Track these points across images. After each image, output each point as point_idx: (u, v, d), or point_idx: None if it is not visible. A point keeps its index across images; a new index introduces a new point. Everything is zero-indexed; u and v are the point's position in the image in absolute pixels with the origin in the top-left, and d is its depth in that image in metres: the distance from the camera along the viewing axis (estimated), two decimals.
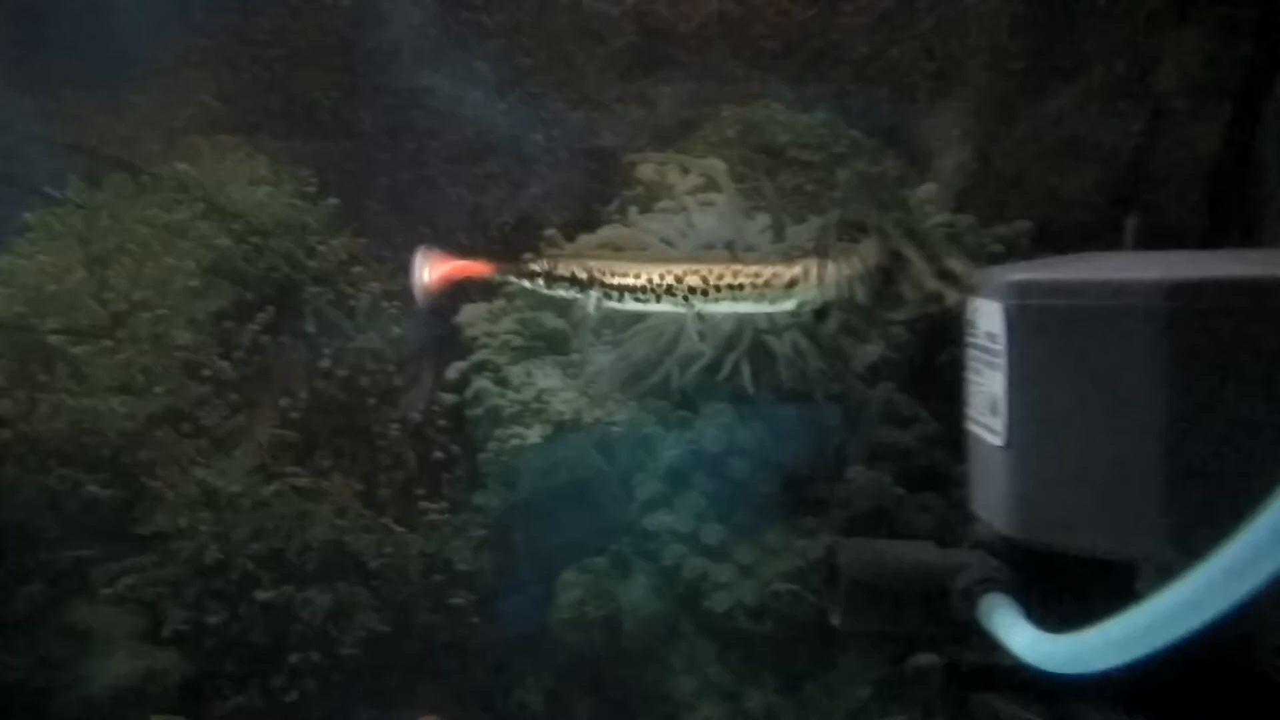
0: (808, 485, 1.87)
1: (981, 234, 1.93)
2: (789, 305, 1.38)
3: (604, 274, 1.45)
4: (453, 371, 2.00)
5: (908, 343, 1.88)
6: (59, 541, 1.84)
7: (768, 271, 1.37)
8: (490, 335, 2.01)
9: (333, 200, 2.13)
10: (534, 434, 1.90)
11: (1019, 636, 0.91)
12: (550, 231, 2.03)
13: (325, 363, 2.02)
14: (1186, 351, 0.93)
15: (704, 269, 1.40)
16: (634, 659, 1.88)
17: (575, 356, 1.97)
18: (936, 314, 1.30)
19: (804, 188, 2.08)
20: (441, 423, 2.02)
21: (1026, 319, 1.01)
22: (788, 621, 1.81)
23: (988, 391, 1.09)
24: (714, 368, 1.82)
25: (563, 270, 1.45)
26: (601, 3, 2.13)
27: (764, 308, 1.42)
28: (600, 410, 1.89)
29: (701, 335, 1.45)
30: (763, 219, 1.94)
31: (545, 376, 1.97)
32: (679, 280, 1.42)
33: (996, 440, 1.05)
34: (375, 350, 2.05)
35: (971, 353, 1.19)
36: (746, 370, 1.80)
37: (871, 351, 1.45)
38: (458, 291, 1.73)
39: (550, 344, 2.01)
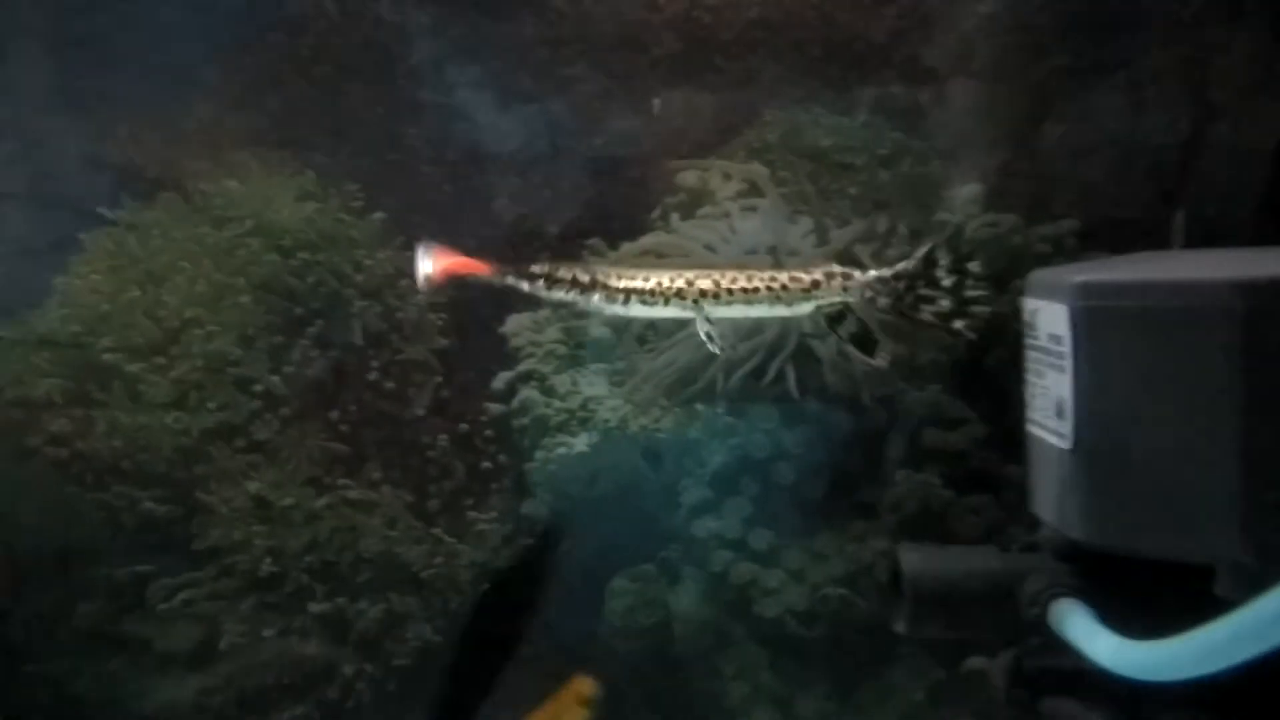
0: (856, 489, 1.86)
1: (1027, 233, 1.92)
2: (807, 309, 1.38)
3: (607, 277, 1.45)
4: (499, 381, 2.01)
5: (955, 344, 1.87)
6: (117, 557, 1.87)
7: (784, 275, 1.37)
8: (536, 345, 2.02)
9: (379, 214, 2.14)
10: (580, 442, 1.90)
11: (1101, 643, 0.90)
12: (593, 240, 2.05)
13: (373, 375, 2.04)
14: (1261, 350, 0.91)
15: (717, 274, 1.40)
16: (685, 665, 1.88)
17: (620, 364, 1.97)
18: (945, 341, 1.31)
19: (847, 191, 2.08)
20: (489, 433, 2.04)
21: (1094, 321, 1.00)
22: (838, 626, 1.80)
23: (1052, 394, 1.08)
24: (759, 373, 1.82)
25: (564, 273, 1.44)
26: (643, 11, 2.14)
27: (780, 311, 1.41)
28: (646, 417, 1.90)
29: (710, 337, 1.44)
30: (805, 223, 1.94)
31: (591, 385, 1.98)
32: (689, 284, 1.42)
33: (1063, 443, 1.04)
34: (422, 362, 2.08)
35: (1032, 354, 1.17)
36: (792, 375, 1.80)
37: (881, 362, 1.44)
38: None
39: (595, 352, 2.02)
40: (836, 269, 1.33)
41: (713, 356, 1.87)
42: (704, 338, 1.47)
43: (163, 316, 1.95)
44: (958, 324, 1.28)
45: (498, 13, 2.12)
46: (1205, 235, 1.94)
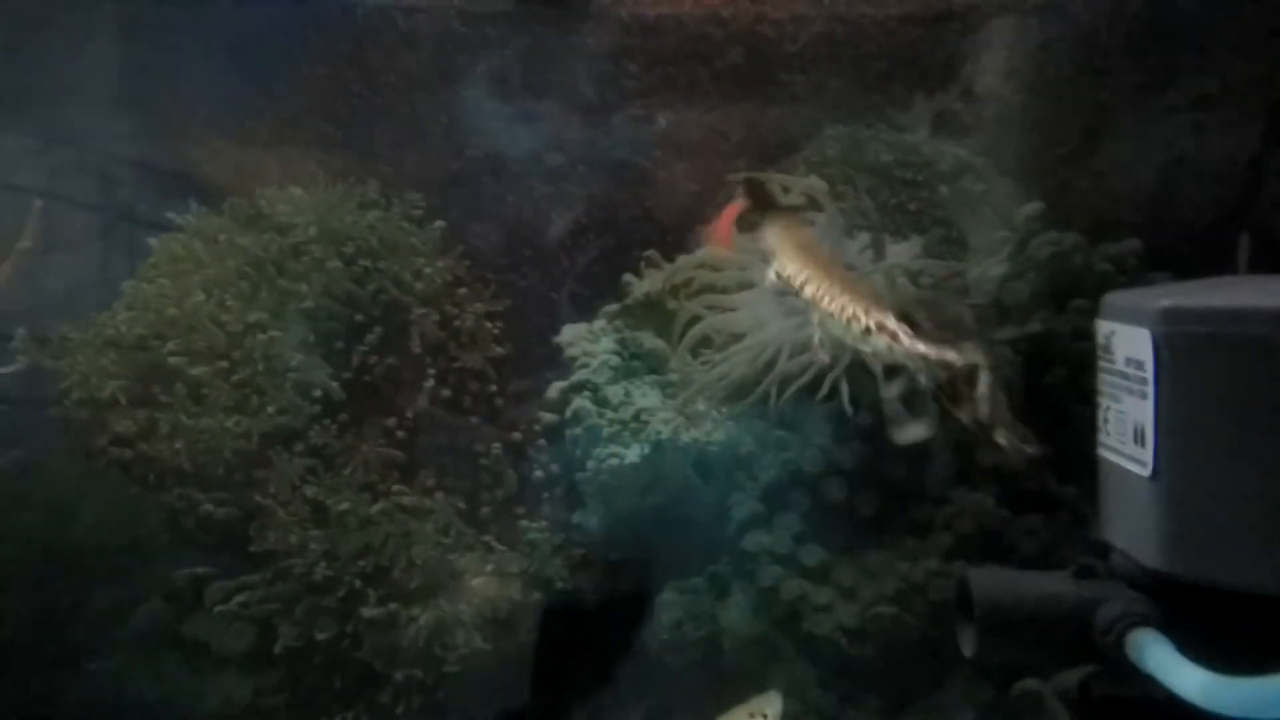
0: (908, 506, 1.85)
1: (1089, 253, 1.90)
2: (865, 349, 1.36)
3: (781, 251, 1.51)
4: (553, 391, 2.02)
5: (1013, 362, 1.85)
6: (177, 559, 1.91)
7: (855, 308, 1.35)
8: (590, 355, 2.02)
9: (440, 223, 2.16)
10: (632, 453, 1.90)
11: (1189, 677, 0.89)
12: (650, 251, 2.06)
13: (430, 383, 2.06)
14: None
15: (838, 288, 1.40)
16: (734, 681, 1.87)
17: (674, 376, 1.97)
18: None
19: (906, 206, 2.07)
20: (541, 442, 2.05)
21: (1178, 347, 0.99)
22: (889, 645, 1.79)
23: (1130, 420, 1.06)
24: (813, 388, 1.81)
25: (767, 241, 1.56)
26: (707, 24, 2.15)
27: (838, 331, 1.40)
28: (698, 430, 1.89)
29: (821, 344, 1.45)
30: (864, 238, 1.94)
31: (644, 396, 1.97)
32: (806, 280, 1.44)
33: (1142, 470, 1.03)
34: (478, 370, 2.09)
35: (1107, 378, 1.16)
36: (845, 390, 1.78)
37: (917, 431, 1.42)
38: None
39: (649, 363, 2.02)
40: (889, 324, 1.29)
41: (766, 370, 1.88)
42: (816, 342, 1.48)
43: (226, 321, 1.98)
44: (1000, 437, 1.24)
45: (562, 25, 2.13)
46: (1272, 258, 1.93)
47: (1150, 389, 1.01)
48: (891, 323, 1.30)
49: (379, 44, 2.16)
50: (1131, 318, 1.07)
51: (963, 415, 1.24)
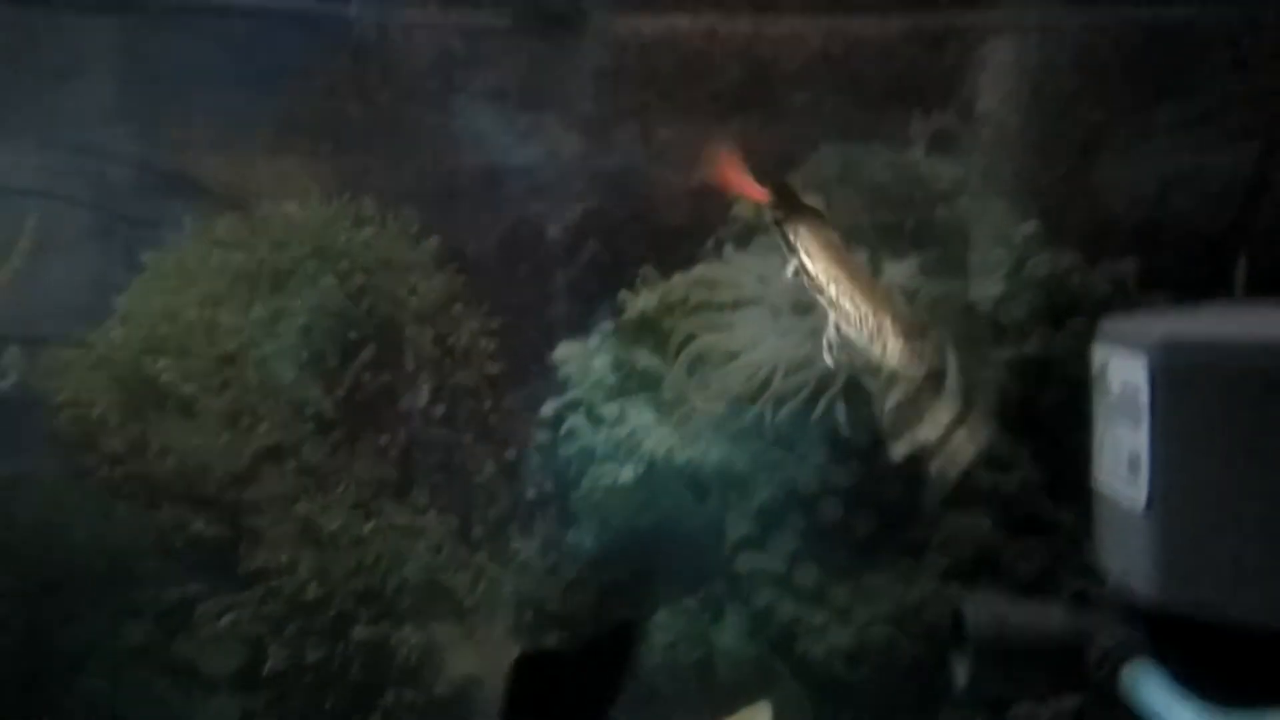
0: (904, 528, 1.84)
1: (1087, 272, 1.89)
2: (869, 353, 1.39)
3: (805, 248, 1.50)
4: (547, 409, 2.01)
5: (1009, 384, 1.85)
6: (166, 578, 1.89)
7: (877, 321, 1.37)
8: (585, 373, 2.02)
9: (434, 239, 2.15)
10: (626, 472, 1.89)
11: (1180, 713, 0.87)
12: (645, 268, 2.05)
13: (423, 400, 2.06)
14: None
15: (861, 291, 1.42)
16: (728, 703, 1.86)
17: (669, 394, 1.97)
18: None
19: (903, 226, 2.07)
20: (536, 460, 2.04)
21: (1174, 377, 0.97)
22: (884, 666, 1.78)
23: (1125, 448, 1.05)
24: (808, 407, 1.81)
25: (789, 229, 1.52)
26: (704, 43, 2.14)
27: (853, 334, 1.43)
28: (693, 449, 1.88)
29: (830, 346, 1.46)
30: (861, 255, 1.93)
31: (638, 414, 1.96)
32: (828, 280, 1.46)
33: (1136, 501, 1.02)
34: (472, 387, 2.09)
35: (1102, 405, 1.15)
36: (842, 410, 1.78)
37: (900, 450, 1.45)
38: None
39: (644, 382, 2.01)
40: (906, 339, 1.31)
41: (762, 388, 1.87)
42: (826, 345, 1.50)
43: (219, 338, 1.98)
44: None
45: (560, 43, 2.13)
46: (1269, 278, 1.92)
47: (1145, 418, 1.00)
48: (908, 337, 1.33)
49: (377, 60, 2.16)
50: (1127, 345, 1.06)
51: (927, 423, 1.29)
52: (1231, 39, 1.96)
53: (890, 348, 1.33)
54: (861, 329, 1.40)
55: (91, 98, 2.13)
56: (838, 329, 1.45)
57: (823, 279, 1.49)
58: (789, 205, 1.63)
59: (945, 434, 1.31)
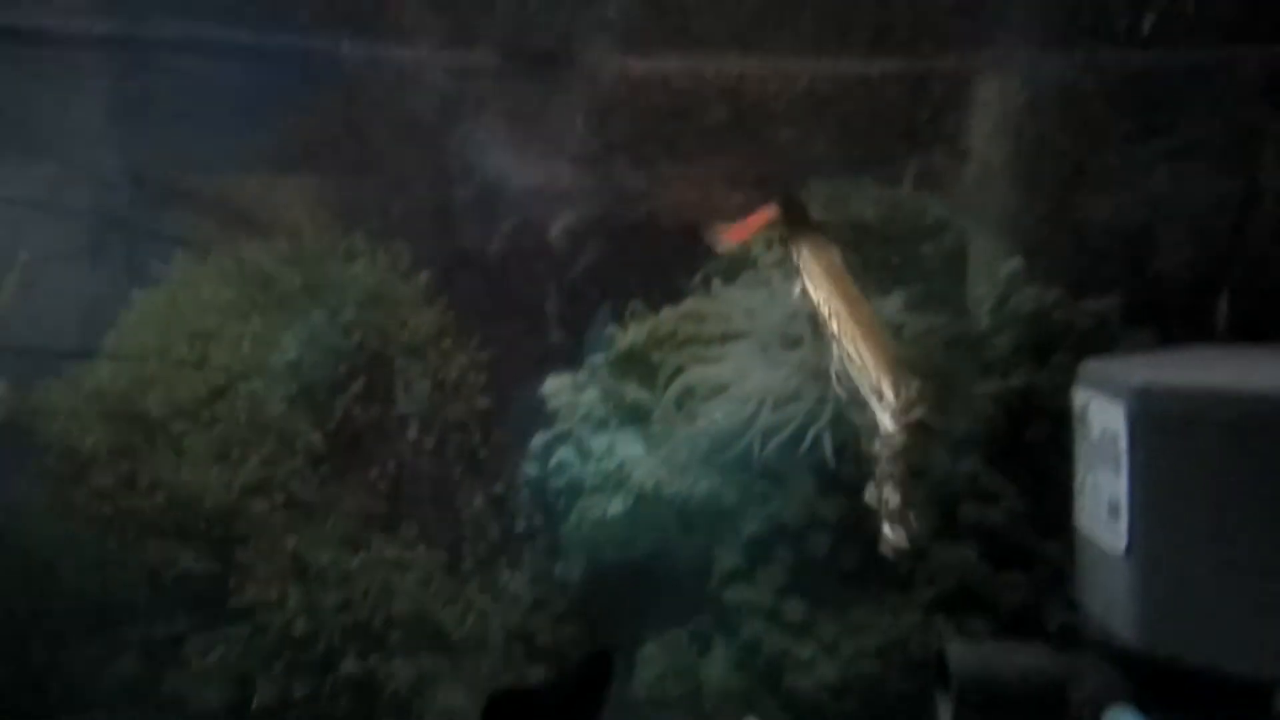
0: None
1: (1071, 308, 1.91)
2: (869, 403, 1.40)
3: (809, 271, 1.57)
4: (537, 442, 2.01)
5: (994, 417, 1.86)
6: (154, 613, 1.89)
7: (879, 375, 1.39)
8: (574, 406, 2.02)
9: (425, 273, 2.17)
10: (615, 505, 1.90)
11: None
12: (635, 302, 2.07)
13: (413, 434, 2.06)
14: None
15: (859, 328, 1.44)
16: None
17: (658, 427, 1.97)
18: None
19: (889, 261, 2.08)
20: (525, 494, 2.04)
21: (1152, 425, 0.99)
22: (871, 700, 1.78)
23: (1105, 492, 1.07)
24: (796, 440, 1.81)
25: (794, 250, 1.61)
26: (691, 81, 2.17)
27: (855, 375, 1.45)
28: (681, 482, 1.89)
29: (839, 378, 1.48)
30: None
31: (627, 447, 1.97)
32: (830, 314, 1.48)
33: (1116, 546, 1.03)
34: (462, 421, 2.09)
35: (1084, 448, 1.17)
36: (829, 443, 1.78)
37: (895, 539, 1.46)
38: None
39: (633, 415, 2.02)
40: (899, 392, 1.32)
41: (750, 421, 1.88)
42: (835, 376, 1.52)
43: (209, 373, 1.99)
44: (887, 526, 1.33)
45: (550, 80, 2.15)
46: (1251, 315, 1.94)
47: (1124, 465, 1.02)
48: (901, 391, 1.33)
49: (368, 97, 2.18)
50: (1108, 390, 1.08)
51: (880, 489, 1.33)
52: (1213, 79, 1.99)
53: (885, 401, 1.34)
54: (860, 375, 1.42)
55: (79, 132, 2.15)
56: (841, 362, 1.47)
57: (824, 310, 1.51)
58: (796, 221, 1.66)
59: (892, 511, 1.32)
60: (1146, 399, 0.99)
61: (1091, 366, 1.18)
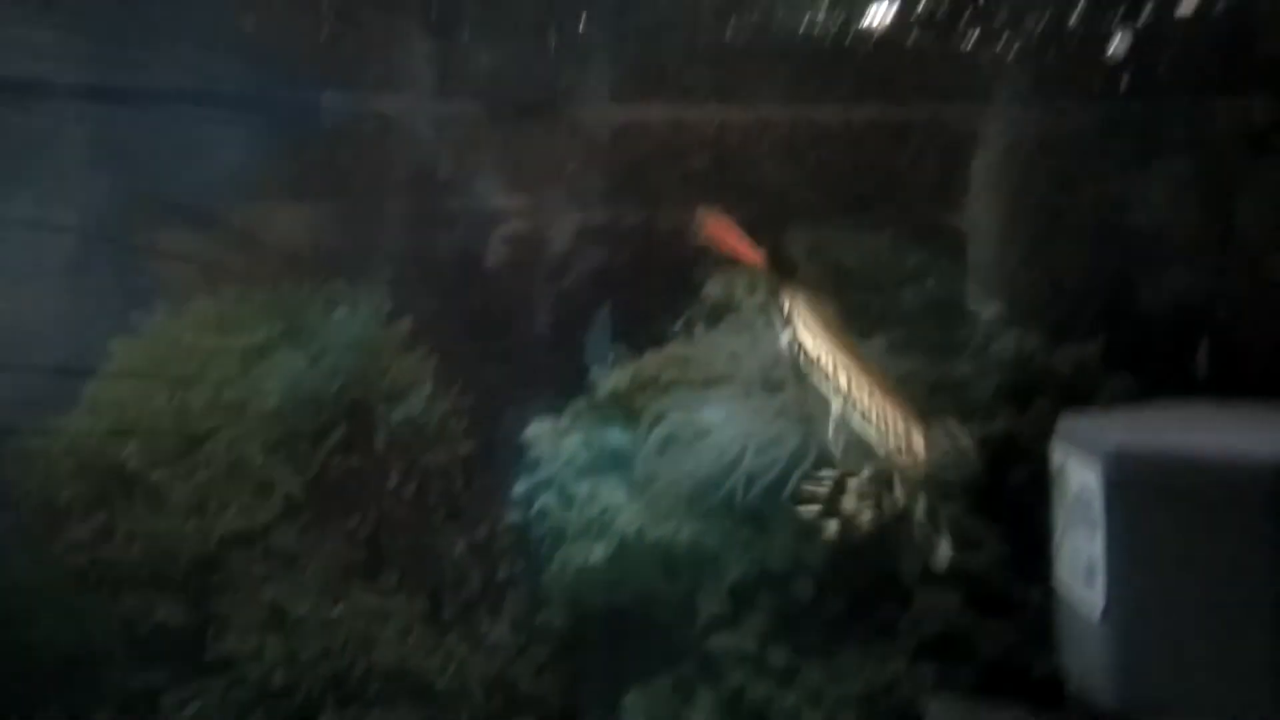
0: (876, 607, 1.84)
1: (1050, 353, 1.92)
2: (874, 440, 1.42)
3: (802, 321, 1.54)
4: (519, 488, 2.01)
5: (975, 462, 1.86)
6: (131, 666, 1.87)
7: (885, 410, 1.40)
8: (556, 452, 2.02)
9: (406, 320, 2.15)
10: (597, 552, 1.89)
11: None
12: (617, 346, 2.07)
13: (393, 481, 2.05)
14: None
15: (863, 377, 1.45)
16: None
17: (640, 473, 1.97)
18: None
19: (870, 306, 2.09)
20: (506, 540, 2.03)
21: (1127, 488, 1.00)
22: None
23: (1083, 553, 1.07)
24: (779, 485, 1.81)
25: (786, 305, 1.57)
26: (673, 129, 2.18)
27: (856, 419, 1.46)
28: (664, 528, 1.88)
29: (837, 429, 1.49)
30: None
31: (609, 493, 1.96)
32: (847, 377, 1.48)
33: (1095, 607, 1.04)
34: (443, 468, 2.08)
35: (1061, 506, 1.17)
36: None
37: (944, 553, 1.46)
38: None
39: (615, 461, 2.02)
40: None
41: (733, 466, 1.87)
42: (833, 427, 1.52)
43: (189, 422, 1.97)
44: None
45: (532, 130, 2.16)
46: (1231, 362, 1.95)
47: (1100, 527, 1.03)
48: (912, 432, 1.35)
49: (349, 146, 2.19)
50: (1083, 450, 1.08)
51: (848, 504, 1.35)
52: (1189, 128, 2.02)
53: (900, 436, 1.35)
54: (869, 415, 1.42)
55: (59, 181, 2.14)
56: (844, 414, 1.46)
57: (824, 358, 1.51)
58: (786, 273, 1.65)
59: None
60: (1122, 462, 0.99)
61: (1069, 423, 1.19)
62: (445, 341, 2.19)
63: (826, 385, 1.49)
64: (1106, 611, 0.99)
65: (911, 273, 2.11)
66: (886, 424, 1.36)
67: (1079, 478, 1.07)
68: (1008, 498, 1.86)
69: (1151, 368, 1.94)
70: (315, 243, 2.09)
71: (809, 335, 1.55)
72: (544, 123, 2.13)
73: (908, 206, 2.13)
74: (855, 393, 1.44)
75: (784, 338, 1.60)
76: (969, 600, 1.80)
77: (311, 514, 1.99)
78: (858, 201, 2.17)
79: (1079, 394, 1.89)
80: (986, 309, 1.98)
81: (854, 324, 2.00)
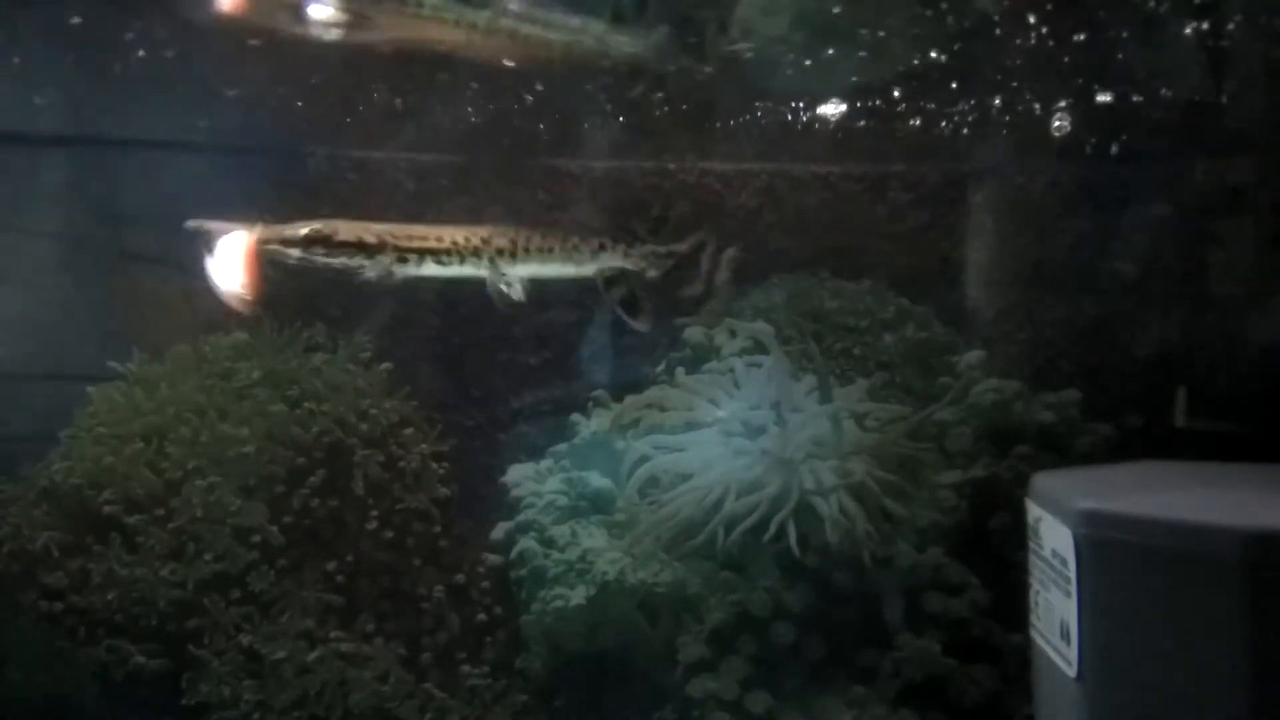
0: (856, 652, 1.83)
1: (1030, 400, 1.93)
2: (590, 270, 1.60)
3: (398, 237, 1.54)
4: (498, 532, 2.00)
5: (957, 507, 1.86)
6: (106, 713, 1.85)
7: (575, 237, 1.59)
8: (536, 495, 2.01)
9: (386, 365, 2.16)
10: (578, 595, 1.87)
11: None
12: (598, 391, 2.08)
13: (372, 525, 2.04)
14: (1266, 601, 0.91)
15: (512, 232, 1.53)
16: None
17: (621, 516, 1.96)
18: None
19: (851, 351, 2.10)
20: (485, 584, 2.02)
21: (1098, 552, 1.00)
22: None
23: (1058, 613, 1.07)
24: (760, 529, 1.81)
25: (345, 235, 1.48)
26: (653, 178, 2.21)
27: (569, 270, 1.56)
28: (645, 571, 1.87)
29: (508, 286, 1.65)
30: (809, 380, 1.95)
31: (590, 536, 1.95)
32: (485, 242, 1.54)
33: (1068, 670, 1.03)
34: (422, 511, 2.08)
35: (1036, 562, 1.17)
36: (793, 532, 1.78)
37: (641, 326, 1.67)
38: None
39: (596, 504, 2.01)
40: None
41: (714, 510, 1.87)
42: (503, 288, 1.58)
43: (165, 468, 1.96)
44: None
45: (512, 179, 2.17)
46: (1209, 411, 1.96)
47: (1073, 588, 1.02)
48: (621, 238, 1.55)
49: (329, 192, 2.19)
50: (1056, 510, 1.08)
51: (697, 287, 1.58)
52: (1165, 187, 2.04)
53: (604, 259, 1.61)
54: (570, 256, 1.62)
55: (37, 232, 2.14)
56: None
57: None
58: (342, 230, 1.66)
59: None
60: (1092, 523, 1.00)
61: (1043, 482, 1.19)
62: (425, 385, 2.21)
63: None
64: (1080, 675, 0.99)
65: (893, 318, 2.13)
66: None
67: (1052, 538, 1.07)
68: (989, 544, 1.86)
69: (1130, 415, 1.96)
70: (294, 286, 2.09)
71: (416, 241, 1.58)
72: (521, 170, 2.14)
73: (890, 255, 2.14)
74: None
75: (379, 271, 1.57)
76: (950, 646, 1.80)
77: (289, 559, 1.97)
78: (837, 250, 2.18)
79: (1058, 441, 1.90)
80: (968, 356, 1.99)
81: (836, 367, 2.03)
